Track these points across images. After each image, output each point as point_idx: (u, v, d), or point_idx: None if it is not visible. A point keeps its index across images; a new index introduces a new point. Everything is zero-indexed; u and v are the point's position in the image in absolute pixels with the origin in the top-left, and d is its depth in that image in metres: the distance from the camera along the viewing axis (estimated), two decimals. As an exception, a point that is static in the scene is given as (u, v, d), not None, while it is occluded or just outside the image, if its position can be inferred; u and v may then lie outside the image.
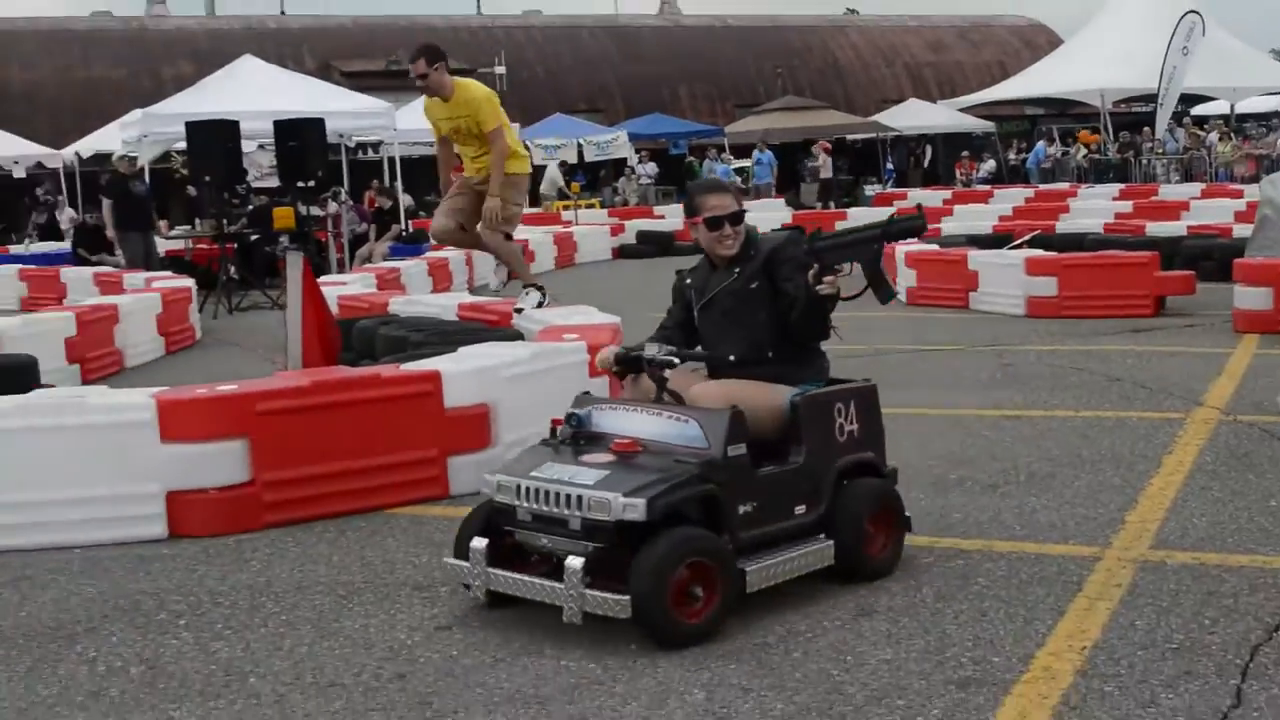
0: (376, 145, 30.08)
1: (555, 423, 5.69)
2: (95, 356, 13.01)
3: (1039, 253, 15.60)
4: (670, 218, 28.44)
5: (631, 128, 39.91)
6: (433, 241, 22.61)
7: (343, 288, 14.41)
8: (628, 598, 4.87)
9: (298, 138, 18.68)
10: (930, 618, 5.29)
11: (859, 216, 30.29)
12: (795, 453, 5.51)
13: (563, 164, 35.70)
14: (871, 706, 4.43)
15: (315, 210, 20.63)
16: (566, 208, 31.99)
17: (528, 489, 5.23)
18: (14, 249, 27.56)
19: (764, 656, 4.93)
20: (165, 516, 6.90)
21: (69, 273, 20.52)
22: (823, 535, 5.54)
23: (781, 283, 5.70)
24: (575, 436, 5.55)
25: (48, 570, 6.50)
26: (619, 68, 47.96)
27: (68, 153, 34.01)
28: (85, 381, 12.15)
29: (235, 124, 18.93)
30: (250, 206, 22.50)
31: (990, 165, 42.76)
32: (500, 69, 43.65)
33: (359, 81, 36.08)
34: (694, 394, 5.62)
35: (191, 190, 21.64)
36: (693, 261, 6.19)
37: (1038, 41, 53.06)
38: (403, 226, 24.82)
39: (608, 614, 4.92)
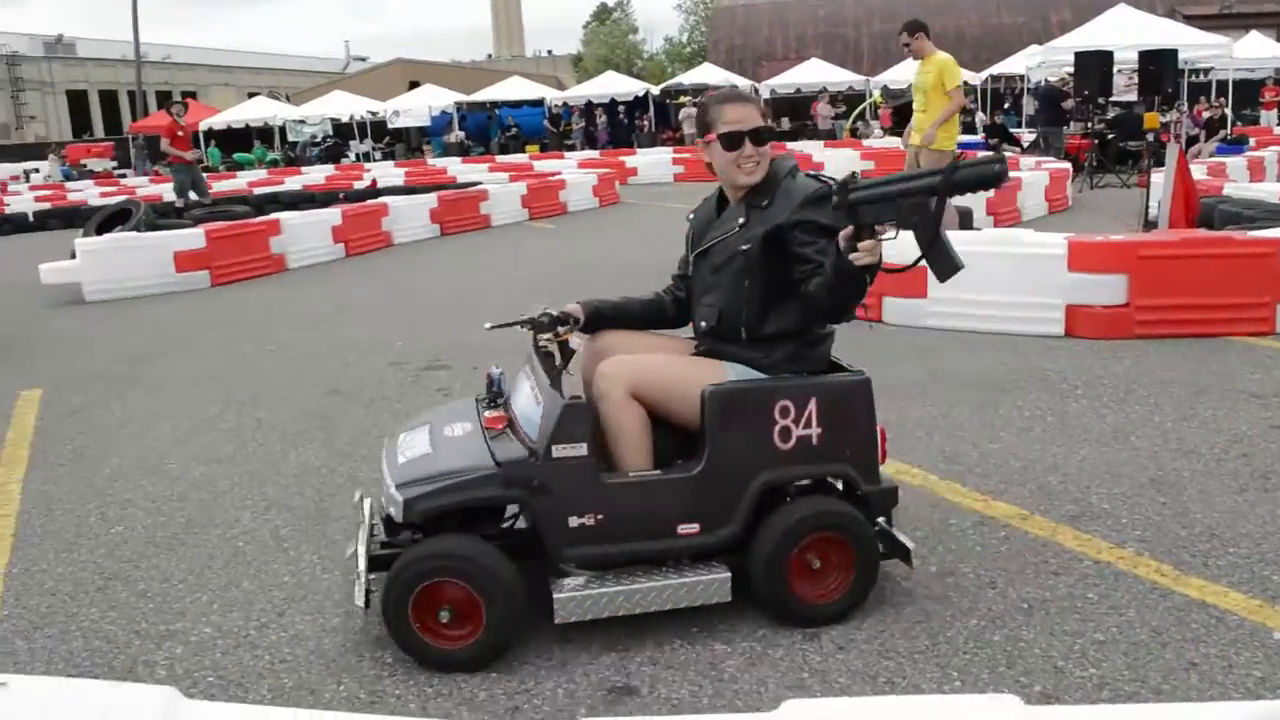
0: (1207, 70, 26.87)
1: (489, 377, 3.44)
2: (1004, 211, 12.85)
3: None
4: None
5: None
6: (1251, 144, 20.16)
7: (1183, 175, 13.15)
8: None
9: (1155, 63, 17.14)
10: None
11: None
12: (698, 457, 3.10)
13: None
14: None
15: (1163, 117, 18.96)
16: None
17: (388, 452, 3.32)
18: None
19: None
20: (1063, 321, 6.77)
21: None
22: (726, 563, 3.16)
23: (797, 247, 3.09)
24: (492, 399, 3.38)
25: (986, 346, 6.62)
26: None
27: (983, 75, 33.58)
28: (995, 225, 12.02)
29: (1109, 54, 17.76)
30: (1110, 114, 21.10)
31: None
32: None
33: (1196, 22, 32.25)
34: (600, 368, 3.18)
35: (1069, 102, 20.68)
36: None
37: None
38: (1227, 132, 22.18)
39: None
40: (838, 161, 22.70)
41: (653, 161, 24.91)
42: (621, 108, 35.40)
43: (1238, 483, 4.20)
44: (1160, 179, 9.38)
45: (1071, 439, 4.79)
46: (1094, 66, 17.61)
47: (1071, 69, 19.41)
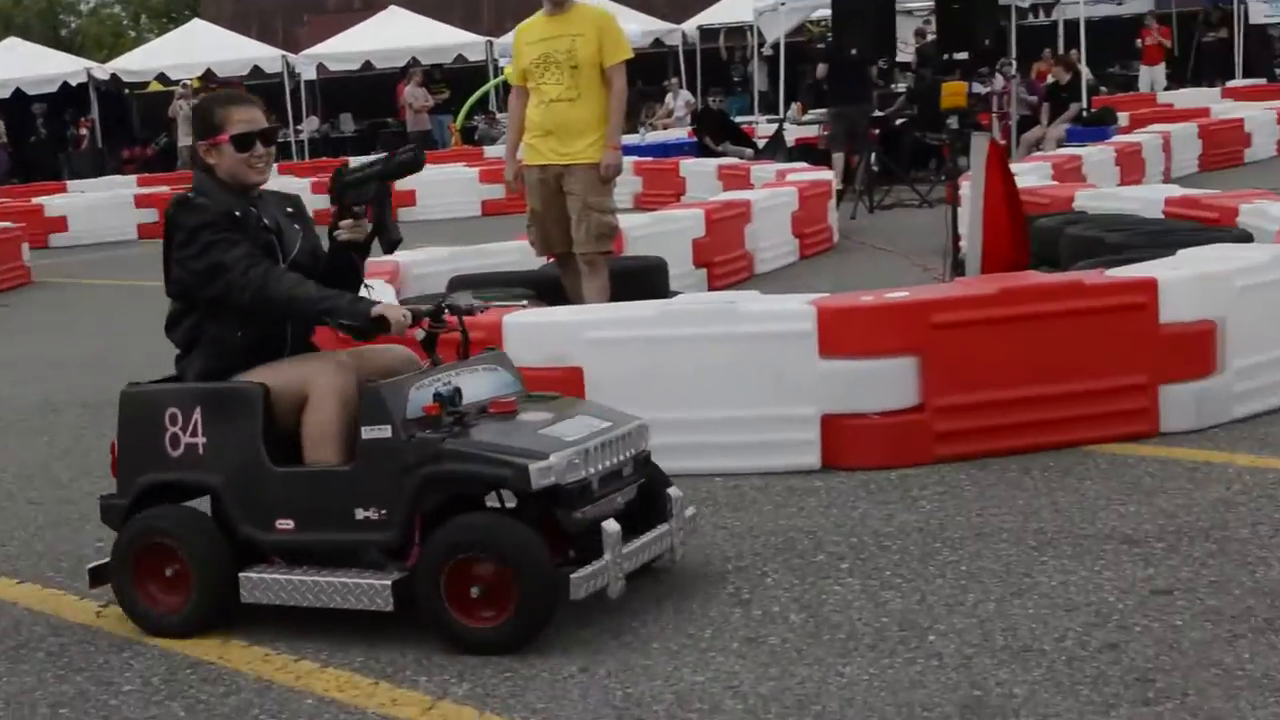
0: (1050, 6, 29.43)
1: None
2: (722, 260, 13.44)
3: None
4: None
5: None
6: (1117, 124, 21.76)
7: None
8: None
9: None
10: None
11: None
12: None
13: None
14: None
15: (978, 87, 20.13)
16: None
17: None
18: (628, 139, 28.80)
19: None
20: (820, 444, 7.08)
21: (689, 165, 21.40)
22: None
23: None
24: None
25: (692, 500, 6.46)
26: None
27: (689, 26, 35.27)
28: (712, 288, 12.43)
29: (887, -13, 18.55)
30: (903, 86, 22.55)
31: None
32: None
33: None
34: None
35: (820, 70, 21.61)
36: None
37: None
38: (1083, 105, 24.23)
39: None
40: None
41: (104, 201, 24.48)
42: (38, 107, 34.70)
43: (1108, 690, 4.51)
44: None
45: (839, 650, 4.99)
46: (865, 7, 18.00)
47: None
